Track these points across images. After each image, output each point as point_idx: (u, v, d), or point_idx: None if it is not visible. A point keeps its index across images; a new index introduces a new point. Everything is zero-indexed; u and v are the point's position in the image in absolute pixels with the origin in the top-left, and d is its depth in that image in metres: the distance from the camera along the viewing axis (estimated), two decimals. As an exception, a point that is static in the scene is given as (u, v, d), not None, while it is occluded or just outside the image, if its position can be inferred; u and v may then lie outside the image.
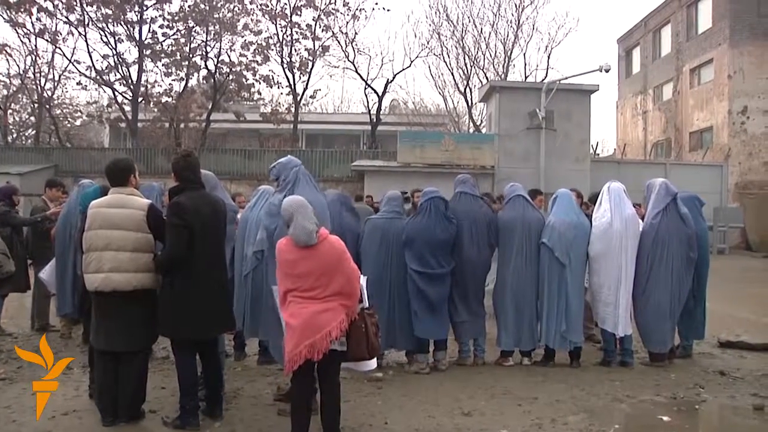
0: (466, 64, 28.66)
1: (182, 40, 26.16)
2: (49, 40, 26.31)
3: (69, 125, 32.81)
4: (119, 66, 26.32)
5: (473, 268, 6.02)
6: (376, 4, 27.66)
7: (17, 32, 26.53)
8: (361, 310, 3.99)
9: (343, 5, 27.00)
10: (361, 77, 28.36)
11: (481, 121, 28.24)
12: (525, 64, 30.44)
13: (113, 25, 25.69)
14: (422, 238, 5.71)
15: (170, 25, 26.09)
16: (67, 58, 27.18)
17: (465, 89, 28.84)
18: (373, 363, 4.19)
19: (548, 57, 31.61)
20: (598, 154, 27.08)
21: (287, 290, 3.84)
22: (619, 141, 34.23)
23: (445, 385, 5.45)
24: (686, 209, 6.21)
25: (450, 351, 6.12)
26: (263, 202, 5.86)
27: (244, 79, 27.45)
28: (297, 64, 27.42)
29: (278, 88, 28.54)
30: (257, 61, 26.98)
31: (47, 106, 28.61)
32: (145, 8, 25.66)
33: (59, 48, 26.93)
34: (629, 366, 6.12)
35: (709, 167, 22.87)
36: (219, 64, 26.63)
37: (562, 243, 6.00)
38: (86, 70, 26.82)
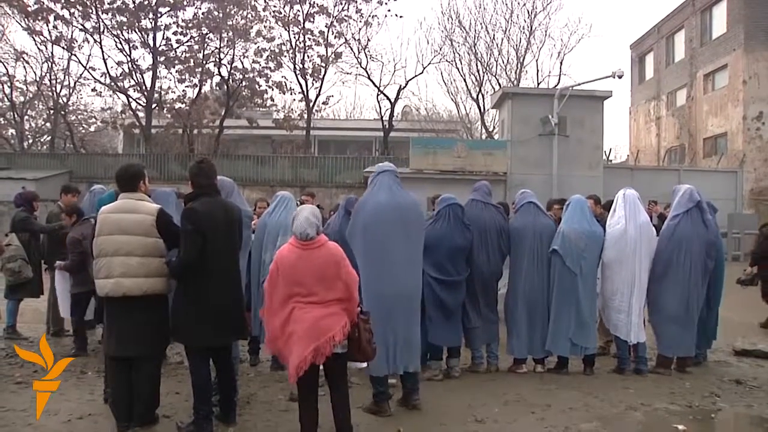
0: (478, 71, 28.66)
1: (196, 47, 26.39)
2: (65, 47, 26.72)
3: (84, 131, 33.21)
4: (133, 73, 26.59)
5: (483, 275, 6.02)
6: (389, 10, 27.55)
7: (34, 40, 27.11)
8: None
9: (356, 12, 27.17)
10: (373, 84, 28.49)
11: (494, 127, 28.21)
12: (537, 71, 30.44)
13: (128, 33, 25.97)
14: (442, 245, 5.70)
15: (184, 32, 26.33)
16: (82, 65, 27.70)
17: (477, 95, 28.83)
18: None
19: (561, 63, 31.42)
20: (611, 161, 26.97)
21: (289, 296, 3.87)
22: (632, 147, 34.02)
23: (457, 392, 5.44)
24: (710, 217, 6.20)
25: (463, 358, 6.10)
26: (282, 208, 5.89)
27: (257, 86, 27.61)
28: (310, 71, 27.55)
29: (291, 94, 28.74)
30: (270, 68, 27.15)
31: (62, 113, 29.01)
32: (159, 15, 25.92)
33: (75, 55, 27.44)
34: (643, 374, 6.08)
35: (724, 173, 22.67)
36: (232, 71, 26.83)
37: (573, 251, 5.98)
38: (101, 76, 27.15)
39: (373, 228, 4.82)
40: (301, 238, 3.92)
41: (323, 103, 30.36)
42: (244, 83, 27.36)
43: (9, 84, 28.83)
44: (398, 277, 4.80)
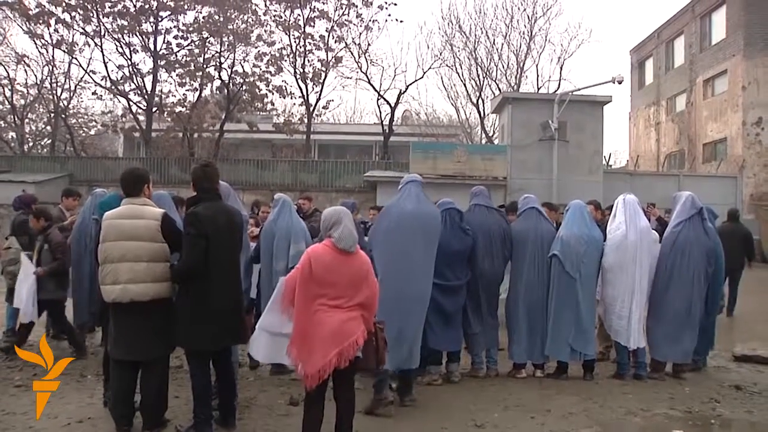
0: (478, 75, 28.71)
1: (196, 51, 26.39)
2: (66, 50, 26.71)
3: (84, 134, 33.14)
4: (134, 76, 26.57)
5: (487, 280, 6.03)
6: (389, 15, 27.33)
7: (35, 43, 27.12)
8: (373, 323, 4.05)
9: (356, 17, 27.14)
10: (373, 88, 28.44)
11: (494, 132, 28.27)
12: (537, 76, 30.61)
13: (129, 36, 25.96)
14: (439, 250, 5.69)
15: (185, 36, 26.35)
16: (83, 68, 27.71)
17: (477, 100, 28.87)
18: None
19: (561, 68, 31.39)
20: (611, 166, 26.99)
21: (316, 296, 3.84)
22: (631, 152, 34.09)
23: (458, 397, 5.44)
24: (711, 224, 6.22)
25: (463, 363, 6.10)
26: (286, 213, 5.89)
27: (257, 90, 27.56)
28: (310, 75, 27.53)
29: (291, 98, 28.65)
30: (270, 72, 27.12)
31: (63, 116, 29.00)
32: (160, 19, 25.92)
33: (75, 58, 27.42)
34: (643, 379, 6.08)
35: (723, 179, 22.70)
36: (232, 75, 26.80)
37: (572, 256, 5.99)
38: (102, 80, 27.17)
39: (395, 233, 5.17)
40: (345, 251, 3.91)
41: (323, 107, 30.34)
42: (244, 87, 27.34)
43: (10, 87, 28.84)
44: (418, 279, 5.13)
